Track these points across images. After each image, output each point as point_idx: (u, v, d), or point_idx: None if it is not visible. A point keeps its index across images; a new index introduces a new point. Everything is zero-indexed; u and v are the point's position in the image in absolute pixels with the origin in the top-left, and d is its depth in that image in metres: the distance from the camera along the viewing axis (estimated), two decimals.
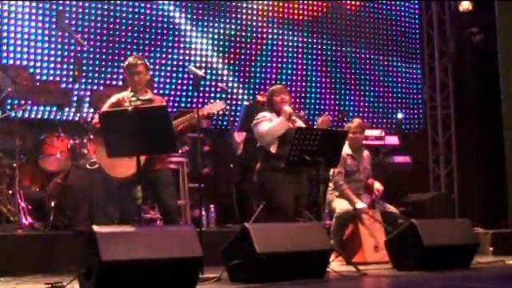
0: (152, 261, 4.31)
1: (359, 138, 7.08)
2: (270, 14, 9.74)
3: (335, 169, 6.81)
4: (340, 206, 6.84)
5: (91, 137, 7.05)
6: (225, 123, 8.92)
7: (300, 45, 9.94)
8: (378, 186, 7.05)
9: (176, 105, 8.84)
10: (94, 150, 6.97)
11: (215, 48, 9.27)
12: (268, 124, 5.93)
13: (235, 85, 9.39)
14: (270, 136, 5.91)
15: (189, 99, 9.03)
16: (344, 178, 6.95)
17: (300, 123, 6.15)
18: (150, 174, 5.43)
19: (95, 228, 4.28)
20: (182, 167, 7.60)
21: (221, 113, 6.64)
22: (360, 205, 6.82)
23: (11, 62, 7.93)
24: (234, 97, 9.34)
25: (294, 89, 9.59)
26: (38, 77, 8.03)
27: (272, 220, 5.79)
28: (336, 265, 6.09)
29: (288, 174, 5.85)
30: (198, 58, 9.13)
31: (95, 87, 8.33)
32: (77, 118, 7.82)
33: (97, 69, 8.42)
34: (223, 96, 8.96)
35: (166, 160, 5.88)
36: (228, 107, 9.21)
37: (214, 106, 5.83)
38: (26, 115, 7.82)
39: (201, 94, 8.97)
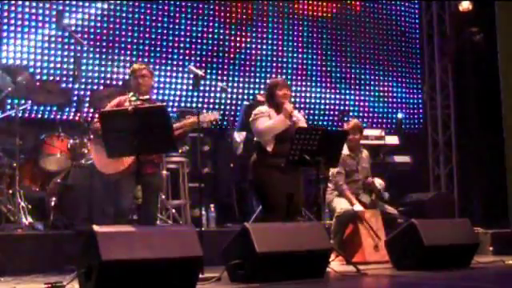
0: (152, 261, 4.31)
1: (356, 139, 7.06)
2: (271, 13, 9.75)
3: (335, 169, 6.81)
4: (340, 205, 6.84)
5: (91, 137, 7.06)
6: (225, 123, 8.92)
7: (300, 44, 9.94)
8: (379, 181, 7.05)
9: (176, 105, 8.84)
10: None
11: (215, 48, 9.27)
12: (266, 121, 5.74)
13: (235, 84, 9.39)
14: (267, 134, 5.72)
15: (189, 99, 9.03)
16: (344, 178, 6.96)
17: (302, 121, 6.06)
18: (141, 178, 5.34)
19: (95, 228, 4.29)
20: (181, 167, 7.60)
21: (214, 123, 6.68)
22: (357, 207, 6.82)
23: (11, 61, 7.93)
24: (234, 96, 9.34)
25: (293, 88, 9.57)
26: (38, 77, 8.03)
27: (264, 217, 5.80)
28: (336, 264, 6.09)
29: (283, 172, 5.68)
30: (198, 58, 9.12)
31: (95, 87, 8.34)
32: (77, 118, 7.82)
33: (96, 69, 8.43)
34: (223, 96, 8.96)
35: (158, 163, 5.87)
36: (228, 107, 9.24)
37: (207, 116, 5.82)
38: (26, 115, 7.81)
39: (201, 94, 8.99)
